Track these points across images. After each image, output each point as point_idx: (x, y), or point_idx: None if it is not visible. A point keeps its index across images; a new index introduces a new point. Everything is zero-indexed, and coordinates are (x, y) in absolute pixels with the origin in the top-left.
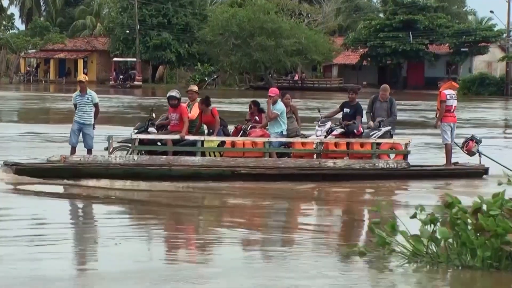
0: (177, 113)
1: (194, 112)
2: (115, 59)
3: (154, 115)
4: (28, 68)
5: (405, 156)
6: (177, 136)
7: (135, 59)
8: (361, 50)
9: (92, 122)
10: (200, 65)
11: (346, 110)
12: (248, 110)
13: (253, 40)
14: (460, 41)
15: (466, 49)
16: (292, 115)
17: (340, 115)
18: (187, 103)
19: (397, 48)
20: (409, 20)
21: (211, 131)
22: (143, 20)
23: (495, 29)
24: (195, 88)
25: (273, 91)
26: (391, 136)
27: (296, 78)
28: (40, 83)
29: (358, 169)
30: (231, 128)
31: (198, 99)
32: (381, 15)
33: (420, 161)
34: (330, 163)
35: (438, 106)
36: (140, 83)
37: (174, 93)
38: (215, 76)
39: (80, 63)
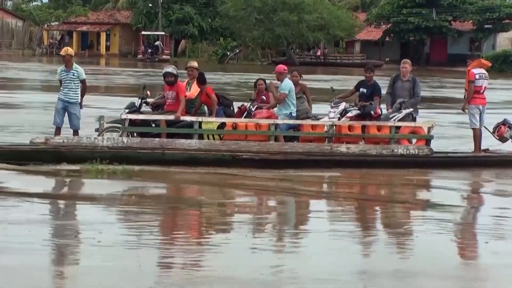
0: (173, 91)
1: (194, 90)
2: (143, 32)
3: (148, 93)
4: (51, 41)
5: (428, 141)
6: (171, 117)
7: (163, 33)
8: (383, 26)
9: (79, 101)
10: (223, 39)
11: (363, 90)
12: (254, 88)
13: (275, 15)
14: (484, 17)
15: (490, 26)
16: (303, 95)
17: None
18: (186, 80)
19: (420, 24)
20: None
21: (209, 111)
22: None
23: None
24: (195, 64)
25: (278, 68)
26: (413, 119)
27: (318, 53)
28: None
29: (375, 155)
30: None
31: None
32: None
33: (445, 147)
34: (343, 148)
35: (466, 87)
36: (168, 57)
37: (170, 69)
38: (237, 51)
39: (103, 36)
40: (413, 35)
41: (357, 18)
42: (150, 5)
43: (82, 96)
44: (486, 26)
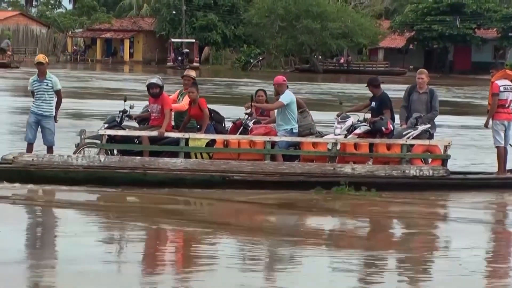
0: (158, 104)
1: (185, 102)
2: (172, 40)
3: (133, 104)
4: (75, 47)
5: (444, 161)
6: (155, 133)
7: (193, 40)
8: (407, 34)
9: (53, 114)
10: (246, 47)
11: (373, 103)
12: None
13: (299, 22)
14: (508, 25)
15: None
16: (305, 109)
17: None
18: (178, 91)
19: (444, 32)
20: (457, 4)
21: (199, 126)
22: (189, 0)
23: None
24: (192, 73)
25: (277, 79)
26: (430, 136)
27: (341, 61)
28: (86, 63)
29: (384, 176)
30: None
31: None
32: None
33: (463, 167)
34: (347, 169)
35: (490, 100)
36: (198, 64)
37: (155, 80)
38: (260, 58)
39: (127, 43)
40: (437, 43)
41: (381, 26)
42: (174, 12)
43: (57, 108)
44: (510, 34)
